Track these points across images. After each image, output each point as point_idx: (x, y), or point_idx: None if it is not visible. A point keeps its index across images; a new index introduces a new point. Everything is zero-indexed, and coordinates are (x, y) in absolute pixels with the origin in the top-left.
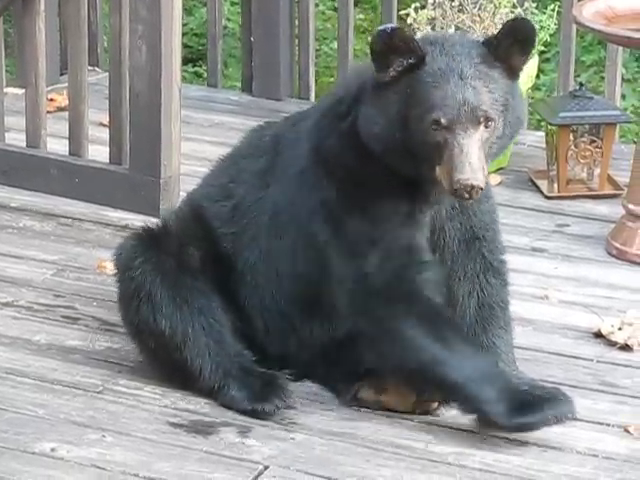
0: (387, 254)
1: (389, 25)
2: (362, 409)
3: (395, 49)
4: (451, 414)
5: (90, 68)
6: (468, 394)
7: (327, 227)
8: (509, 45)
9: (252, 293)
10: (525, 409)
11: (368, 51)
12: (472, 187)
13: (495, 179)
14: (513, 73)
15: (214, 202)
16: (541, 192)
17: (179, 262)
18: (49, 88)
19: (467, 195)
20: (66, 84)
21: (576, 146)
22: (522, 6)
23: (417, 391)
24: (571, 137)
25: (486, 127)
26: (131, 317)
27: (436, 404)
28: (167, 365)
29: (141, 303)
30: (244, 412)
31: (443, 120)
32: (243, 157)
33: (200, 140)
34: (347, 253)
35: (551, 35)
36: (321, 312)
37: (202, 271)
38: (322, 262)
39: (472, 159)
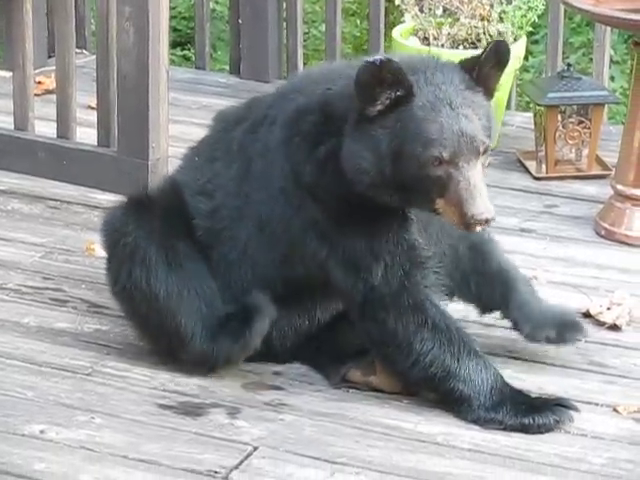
0: (391, 263)
1: (377, 57)
2: (351, 390)
3: (382, 81)
4: None
5: (78, 51)
6: (476, 405)
7: (324, 244)
8: (489, 68)
9: (225, 285)
10: (530, 412)
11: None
12: (487, 221)
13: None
14: (490, 95)
15: (193, 195)
16: (529, 173)
17: (170, 227)
18: (37, 71)
19: (479, 228)
20: (54, 67)
21: (564, 127)
22: None
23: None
24: (559, 118)
25: (483, 155)
26: (123, 283)
27: None
28: (156, 331)
29: (134, 267)
30: (232, 357)
31: (445, 155)
32: (217, 159)
33: (188, 122)
34: (351, 268)
35: (539, 17)
36: (300, 307)
37: (190, 237)
38: (326, 273)
39: (482, 191)
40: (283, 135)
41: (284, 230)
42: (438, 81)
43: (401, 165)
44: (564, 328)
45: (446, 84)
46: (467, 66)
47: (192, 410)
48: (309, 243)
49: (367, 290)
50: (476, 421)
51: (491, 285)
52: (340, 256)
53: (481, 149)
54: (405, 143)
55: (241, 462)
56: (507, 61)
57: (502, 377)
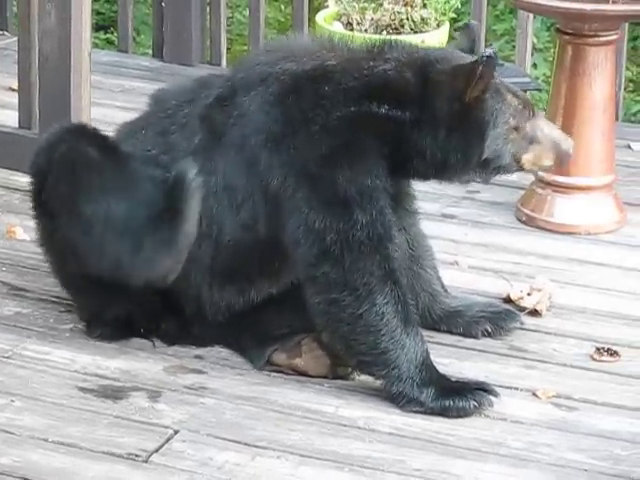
0: (384, 210)
1: (490, 50)
2: (272, 374)
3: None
4: (361, 379)
5: None
6: (405, 375)
7: (305, 183)
8: None
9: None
10: (451, 395)
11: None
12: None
13: None
14: None
15: (141, 164)
16: None
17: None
18: None
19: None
20: None
21: None
22: None
23: (333, 355)
24: None
25: None
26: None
27: (349, 369)
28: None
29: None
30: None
31: (532, 113)
32: (171, 132)
33: (110, 105)
34: (341, 205)
35: (463, 3)
36: (236, 286)
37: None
38: (287, 219)
39: None
40: (281, 89)
41: (260, 183)
42: None
43: (496, 138)
44: (498, 319)
45: None
46: None
47: (113, 393)
48: (288, 186)
49: (348, 228)
50: (399, 396)
51: (421, 286)
52: (331, 192)
53: None
54: (500, 117)
55: (162, 445)
56: None
57: (429, 356)
